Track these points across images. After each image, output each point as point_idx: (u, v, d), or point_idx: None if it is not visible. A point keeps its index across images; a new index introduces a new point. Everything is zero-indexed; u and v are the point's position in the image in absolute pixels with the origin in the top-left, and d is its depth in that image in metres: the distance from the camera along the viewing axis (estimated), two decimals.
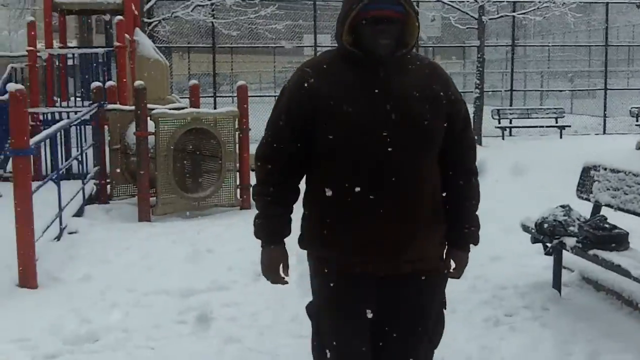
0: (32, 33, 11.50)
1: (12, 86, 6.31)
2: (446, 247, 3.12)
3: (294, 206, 3.07)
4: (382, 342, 3.09)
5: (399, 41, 2.88)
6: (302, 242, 3.09)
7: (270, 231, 3.03)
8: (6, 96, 6.56)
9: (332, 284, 3.01)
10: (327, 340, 3.08)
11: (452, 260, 3.15)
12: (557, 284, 5.88)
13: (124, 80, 11.22)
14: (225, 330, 5.18)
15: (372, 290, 2.99)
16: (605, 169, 5.93)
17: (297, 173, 3.03)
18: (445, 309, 3.23)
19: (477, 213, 3.14)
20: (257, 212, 3.05)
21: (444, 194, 3.03)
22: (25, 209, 6.20)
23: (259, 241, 3.07)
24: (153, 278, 6.41)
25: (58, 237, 7.65)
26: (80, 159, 9.70)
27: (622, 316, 5.36)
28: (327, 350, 3.07)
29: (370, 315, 2.99)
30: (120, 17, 11.69)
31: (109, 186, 9.97)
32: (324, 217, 2.94)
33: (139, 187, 9.18)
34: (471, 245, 3.15)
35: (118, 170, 9.81)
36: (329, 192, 2.91)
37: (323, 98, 2.85)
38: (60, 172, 8.42)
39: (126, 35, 11.62)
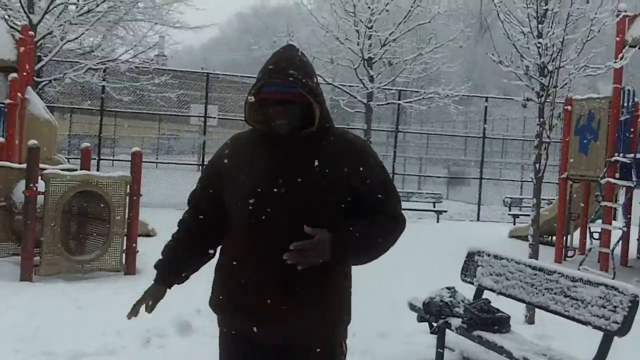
0: None
1: None
2: (334, 322, 3.07)
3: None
4: None
5: (304, 121, 2.95)
6: (210, 304, 3.18)
7: (159, 269, 3.21)
8: None
9: (228, 352, 3.11)
10: None
11: (315, 235, 2.83)
12: None
13: (13, 137, 11.04)
14: None
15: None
16: (489, 255, 6.33)
17: (208, 231, 3.14)
18: None
19: (375, 239, 2.96)
20: None
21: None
22: None
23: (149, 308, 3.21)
24: (40, 339, 6.28)
25: None
26: None
27: None
28: None
29: None
30: (14, 74, 11.57)
31: None
32: (217, 280, 3.11)
33: (23, 246, 8.99)
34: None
35: (1, 229, 9.56)
36: (223, 258, 3.08)
37: (228, 168, 3.03)
38: None
39: (18, 94, 11.49)
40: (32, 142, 9.14)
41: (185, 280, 3.21)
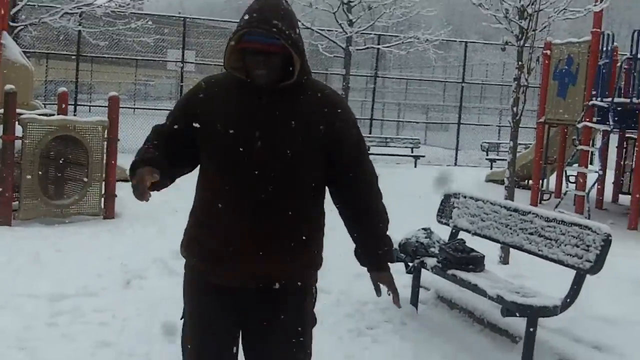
0: None
1: None
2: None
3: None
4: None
5: (283, 73, 2.93)
6: (181, 247, 3.18)
7: (141, 157, 2.95)
8: None
9: (193, 295, 3.12)
10: (191, 350, 3.16)
11: (379, 284, 3.25)
12: (414, 300, 6.30)
13: None
14: (97, 334, 5.22)
15: (230, 304, 3.05)
16: (465, 197, 6.41)
17: (176, 156, 3.02)
18: (313, 327, 3.23)
19: (387, 234, 3.20)
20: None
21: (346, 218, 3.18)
22: None
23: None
24: (21, 281, 6.34)
25: None
26: None
27: (474, 333, 5.77)
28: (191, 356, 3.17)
29: (229, 329, 3.08)
30: None
31: None
32: (191, 225, 3.09)
33: (1, 191, 8.97)
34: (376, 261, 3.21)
35: None
36: (198, 203, 3.07)
37: (204, 111, 2.97)
38: None
39: None
40: (9, 86, 9.06)
41: (166, 184, 3.02)
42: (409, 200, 12.23)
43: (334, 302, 6.31)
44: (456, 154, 23.79)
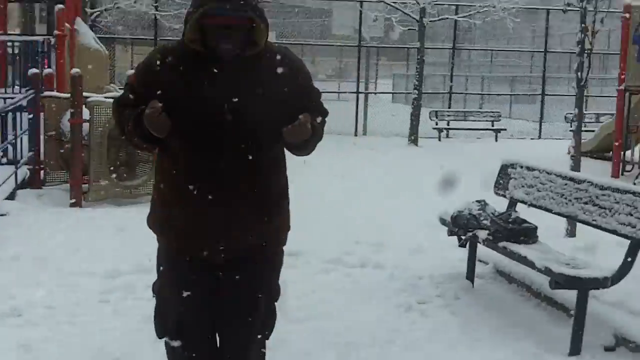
0: None
1: None
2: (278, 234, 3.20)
3: None
4: (222, 331, 3.22)
5: (246, 42, 2.90)
6: (148, 223, 3.21)
7: (131, 114, 2.97)
8: None
9: (168, 268, 3.17)
10: (168, 322, 3.20)
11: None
12: (470, 275, 6.16)
13: (62, 68, 11.21)
14: (146, 310, 5.26)
15: (206, 276, 3.09)
16: (522, 167, 6.21)
17: None
18: (276, 300, 3.30)
19: (320, 133, 3.09)
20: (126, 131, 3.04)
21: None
22: None
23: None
24: (80, 259, 6.51)
25: None
26: (14, 145, 9.65)
27: (529, 307, 5.62)
28: (167, 332, 3.22)
29: (203, 301, 3.11)
30: (61, 5, 11.68)
31: (42, 172, 9.96)
32: (161, 201, 3.10)
33: (71, 173, 9.22)
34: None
35: (52, 156, 9.81)
36: (163, 180, 3.06)
37: (166, 84, 2.91)
38: None
39: (66, 25, 11.62)
40: (75, 70, 9.28)
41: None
42: (480, 175, 11.97)
43: (386, 277, 6.27)
44: (540, 127, 23.23)
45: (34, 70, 10.08)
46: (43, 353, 4.53)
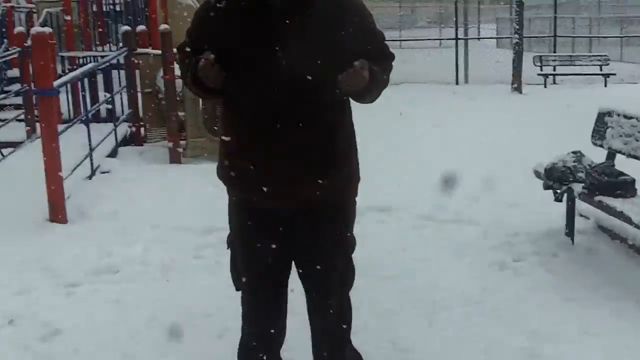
0: None
1: (35, 29, 6.51)
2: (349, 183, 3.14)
3: None
4: (302, 282, 3.22)
5: None
6: (218, 174, 3.18)
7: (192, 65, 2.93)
8: None
9: (239, 220, 3.15)
10: (241, 274, 3.20)
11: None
12: (569, 231, 5.90)
13: (155, 24, 11.35)
14: None
15: (276, 228, 3.07)
16: (619, 115, 5.83)
17: None
18: (352, 253, 3.25)
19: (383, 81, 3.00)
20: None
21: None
22: (51, 146, 6.45)
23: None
24: (176, 216, 6.64)
25: (90, 176, 7.93)
26: (112, 102, 9.87)
27: (631, 265, 5.35)
28: (242, 283, 3.22)
29: (277, 253, 3.08)
30: None
31: (142, 129, 10.17)
32: (226, 152, 3.05)
33: (168, 130, 9.38)
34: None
35: (150, 114, 9.99)
36: (230, 129, 3.01)
37: (222, 32, 2.88)
38: (90, 114, 8.64)
39: None
40: (164, 26, 9.36)
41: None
42: (588, 122, 11.51)
43: (480, 234, 6.11)
44: None
45: (126, 28, 10.24)
46: (136, 310, 4.66)
